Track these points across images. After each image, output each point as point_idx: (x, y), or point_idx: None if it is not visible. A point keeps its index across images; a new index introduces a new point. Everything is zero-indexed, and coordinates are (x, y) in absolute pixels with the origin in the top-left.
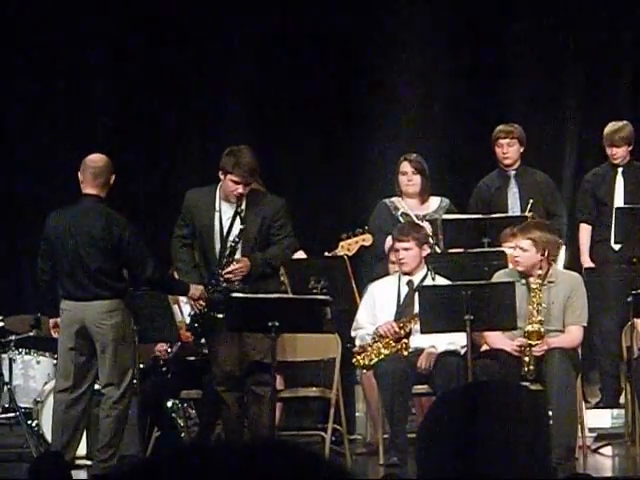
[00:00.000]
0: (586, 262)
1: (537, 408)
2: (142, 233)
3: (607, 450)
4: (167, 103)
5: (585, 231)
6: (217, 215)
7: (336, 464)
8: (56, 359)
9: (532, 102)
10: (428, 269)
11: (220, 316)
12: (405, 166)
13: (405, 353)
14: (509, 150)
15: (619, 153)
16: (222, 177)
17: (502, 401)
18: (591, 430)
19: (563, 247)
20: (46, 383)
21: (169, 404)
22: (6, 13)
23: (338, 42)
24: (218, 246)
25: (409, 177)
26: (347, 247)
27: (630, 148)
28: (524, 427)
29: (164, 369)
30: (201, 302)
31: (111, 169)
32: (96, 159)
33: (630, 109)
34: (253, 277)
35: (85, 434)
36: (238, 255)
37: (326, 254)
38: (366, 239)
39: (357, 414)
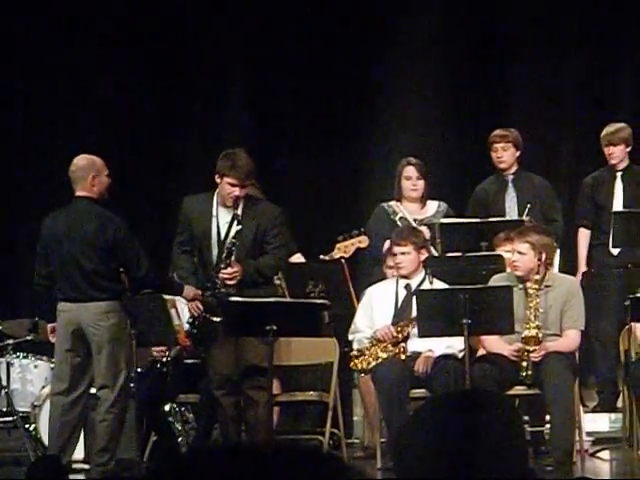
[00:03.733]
0: (582, 267)
1: (512, 415)
2: (141, 236)
3: (605, 454)
4: (167, 106)
5: (583, 235)
6: (214, 221)
7: (356, 468)
8: (53, 363)
9: (530, 105)
10: (426, 273)
11: (216, 319)
12: (410, 171)
13: (403, 357)
14: (504, 154)
15: (616, 152)
16: (218, 180)
17: (484, 410)
18: (589, 434)
19: (557, 251)
20: (43, 387)
21: (166, 408)
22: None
23: (336, 44)
24: (215, 251)
25: (414, 182)
26: (343, 249)
27: (628, 149)
28: (502, 435)
29: (164, 370)
30: (197, 305)
31: (94, 169)
32: (74, 161)
33: (630, 112)
34: (244, 284)
35: (82, 438)
36: (234, 258)
37: (322, 256)
38: (362, 240)
39: (355, 418)
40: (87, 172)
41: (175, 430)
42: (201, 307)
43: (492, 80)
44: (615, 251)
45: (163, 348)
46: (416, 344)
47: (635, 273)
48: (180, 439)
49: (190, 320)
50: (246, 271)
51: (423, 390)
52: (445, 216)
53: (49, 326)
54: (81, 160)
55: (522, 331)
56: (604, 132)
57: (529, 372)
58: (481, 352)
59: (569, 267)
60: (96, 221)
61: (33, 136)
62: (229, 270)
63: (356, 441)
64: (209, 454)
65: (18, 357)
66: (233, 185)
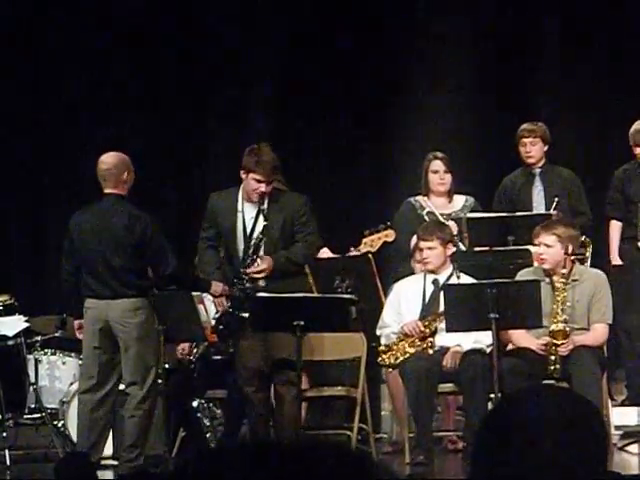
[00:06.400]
0: (615, 260)
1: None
2: (167, 232)
3: (633, 448)
4: (190, 104)
5: (615, 227)
6: (240, 216)
7: (384, 465)
8: (82, 360)
9: (558, 98)
10: (453, 268)
11: (244, 315)
12: (437, 165)
13: (430, 352)
14: (532, 149)
15: None
16: (244, 176)
17: (551, 408)
18: (617, 428)
19: (590, 246)
20: (72, 384)
21: (195, 404)
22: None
23: (363, 40)
24: (242, 246)
25: (441, 176)
26: (370, 243)
27: None
28: (576, 435)
29: (191, 366)
30: (222, 301)
31: (124, 166)
32: (104, 160)
33: None
34: (277, 275)
35: (111, 434)
36: (261, 253)
37: (353, 251)
38: (389, 235)
39: (383, 413)
40: (121, 169)
41: (203, 426)
42: (226, 303)
43: (518, 73)
44: None
45: (187, 348)
46: (444, 339)
47: None
48: (208, 435)
49: (216, 316)
50: (276, 263)
51: (451, 385)
52: (472, 210)
53: (75, 323)
54: (113, 157)
55: (549, 325)
56: (631, 131)
57: (557, 366)
58: (509, 347)
59: (596, 260)
60: (125, 218)
61: (59, 133)
62: (256, 267)
63: (384, 436)
64: (237, 450)
65: (46, 354)
66: (259, 181)
